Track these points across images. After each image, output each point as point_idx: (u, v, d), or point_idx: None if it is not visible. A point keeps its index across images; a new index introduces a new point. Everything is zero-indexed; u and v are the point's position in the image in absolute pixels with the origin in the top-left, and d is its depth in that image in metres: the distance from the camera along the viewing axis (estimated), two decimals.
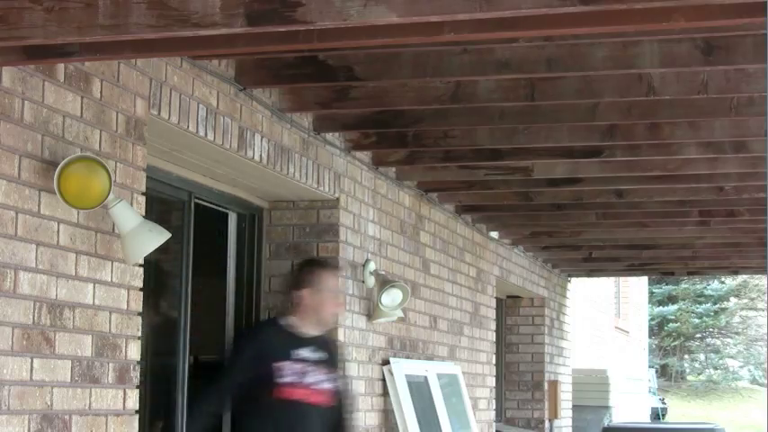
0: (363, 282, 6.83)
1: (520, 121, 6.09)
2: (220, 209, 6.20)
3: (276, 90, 5.66)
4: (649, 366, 25.87)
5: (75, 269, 4.06)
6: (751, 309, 36.42)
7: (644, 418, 21.14)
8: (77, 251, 4.07)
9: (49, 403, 3.91)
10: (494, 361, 9.90)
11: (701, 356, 37.36)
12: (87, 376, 4.11)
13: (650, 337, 30.11)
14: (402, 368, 7.28)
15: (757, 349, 36.47)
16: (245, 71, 5.26)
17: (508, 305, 12.10)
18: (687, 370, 37.10)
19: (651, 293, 31.38)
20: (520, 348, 12.13)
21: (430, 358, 8.08)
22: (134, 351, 4.39)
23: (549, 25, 3.31)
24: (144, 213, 4.42)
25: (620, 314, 20.84)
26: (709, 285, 35.24)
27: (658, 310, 34.82)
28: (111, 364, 4.25)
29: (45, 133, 3.91)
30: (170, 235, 4.27)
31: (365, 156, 6.89)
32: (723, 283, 35.26)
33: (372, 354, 6.99)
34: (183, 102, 4.79)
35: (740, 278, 33.75)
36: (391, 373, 7.12)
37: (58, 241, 3.97)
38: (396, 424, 7.07)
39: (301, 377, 5.50)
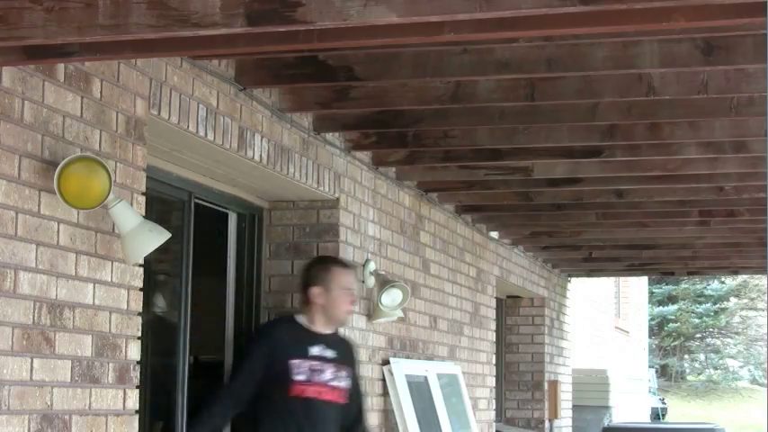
0: (363, 282, 6.83)
1: (520, 121, 6.09)
2: (220, 209, 6.20)
3: (276, 90, 5.66)
4: (649, 366, 25.88)
5: (75, 269, 4.06)
6: (751, 309, 36.44)
7: (644, 418, 21.14)
8: (77, 251, 4.07)
9: (48, 403, 3.91)
10: (494, 361, 9.90)
11: (701, 356, 37.38)
12: (87, 376, 4.11)
13: (650, 337, 30.12)
14: (402, 368, 7.28)
15: (757, 349, 36.49)
16: (245, 71, 5.26)
17: (508, 305, 12.10)
18: (687, 370, 37.12)
19: (651, 293, 31.40)
20: (520, 348, 12.12)
21: (430, 358, 8.08)
22: (134, 351, 4.39)
23: (549, 25, 3.31)
24: (144, 213, 4.42)
25: (620, 314, 20.84)
26: (709, 285, 35.27)
27: (658, 310, 34.84)
28: (111, 364, 4.25)
29: (45, 133, 3.91)
30: (170, 235, 4.27)
31: (365, 156, 6.89)
32: (723, 283, 35.29)
33: (372, 354, 6.99)
34: (183, 102, 4.79)
35: (740, 278, 33.77)
36: (391, 373, 7.12)
37: (58, 241, 3.97)
38: (396, 424, 7.07)
39: (314, 375, 5.52)
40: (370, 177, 6.97)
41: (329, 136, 6.33)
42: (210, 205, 6.02)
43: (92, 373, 4.14)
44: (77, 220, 4.07)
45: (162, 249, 4.36)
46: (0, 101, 3.70)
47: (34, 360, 3.84)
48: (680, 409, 30.97)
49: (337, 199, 6.48)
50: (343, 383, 5.66)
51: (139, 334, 4.43)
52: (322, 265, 5.79)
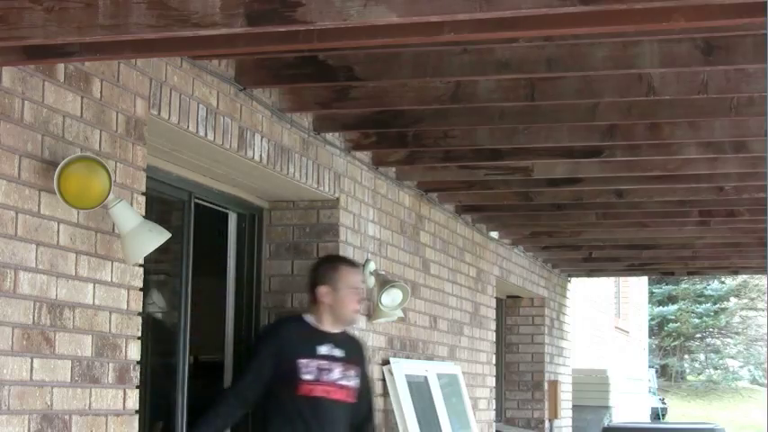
0: (363, 282, 6.82)
1: (520, 121, 6.09)
2: (220, 209, 6.20)
3: (276, 90, 5.66)
4: (649, 366, 25.88)
5: (75, 269, 4.06)
6: (751, 309, 36.44)
7: (644, 418, 21.14)
8: (77, 251, 4.07)
9: (48, 403, 3.91)
10: (494, 361, 9.90)
11: (701, 356, 37.38)
12: (87, 376, 4.11)
13: (650, 337, 30.12)
14: (402, 368, 7.28)
15: (757, 349, 36.49)
16: (245, 71, 5.26)
17: (508, 305, 12.10)
18: (687, 370, 37.12)
19: (651, 293, 31.40)
20: (520, 348, 12.12)
21: (430, 358, 8.08)
22: (134, 351, 4.39)
23: (549, 25, 3.31)
24: (144, 213, 4.42)
25: (620, 314, 20.84)
26: (709, 285, 35.27)
27: (658, 310, 34.84)
28: (111, 364, 4.25)
29: (45, 133, 3.91)
30: (170, 235, 4.27)
31: (365, 156, 6.89)
32: (723, 283, 35.29)
33: (372, 354, 6.99)
34: (183, 102, 4.79)
35: (740, 278, 33.76)
36: (391, 374, 7.12)
37: (58, 241, 3.97)
38: (396, 424, 7.07)
39: (323, 374, 5.51)
40: (370, 177, 6.97)
41: (329, 136, 6.33)
42: (210, 205, 6.02)
43: (92, 373, 4.14)
44: (77, 220, 4.07)
45: (162, 249, 4.36)
46: (0, 101, 3.70)
47: (34, 360, 3.84)
48: (680, 409, 30.97)
49: (337, 199, 6.48)
50: (352, 382, 5.65)
51: (139, 334, 4.43)
52: (329, 264, 5.79)
